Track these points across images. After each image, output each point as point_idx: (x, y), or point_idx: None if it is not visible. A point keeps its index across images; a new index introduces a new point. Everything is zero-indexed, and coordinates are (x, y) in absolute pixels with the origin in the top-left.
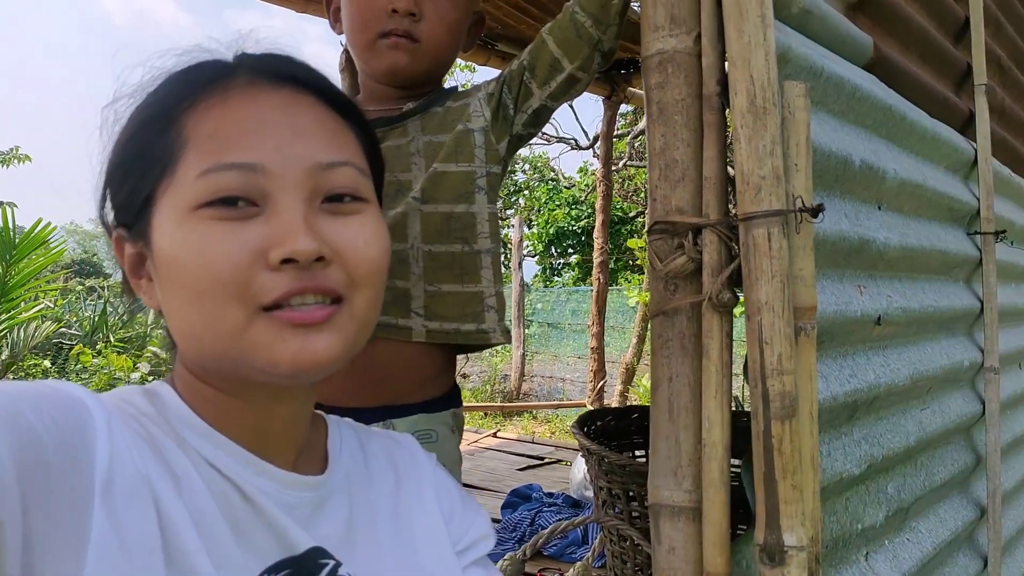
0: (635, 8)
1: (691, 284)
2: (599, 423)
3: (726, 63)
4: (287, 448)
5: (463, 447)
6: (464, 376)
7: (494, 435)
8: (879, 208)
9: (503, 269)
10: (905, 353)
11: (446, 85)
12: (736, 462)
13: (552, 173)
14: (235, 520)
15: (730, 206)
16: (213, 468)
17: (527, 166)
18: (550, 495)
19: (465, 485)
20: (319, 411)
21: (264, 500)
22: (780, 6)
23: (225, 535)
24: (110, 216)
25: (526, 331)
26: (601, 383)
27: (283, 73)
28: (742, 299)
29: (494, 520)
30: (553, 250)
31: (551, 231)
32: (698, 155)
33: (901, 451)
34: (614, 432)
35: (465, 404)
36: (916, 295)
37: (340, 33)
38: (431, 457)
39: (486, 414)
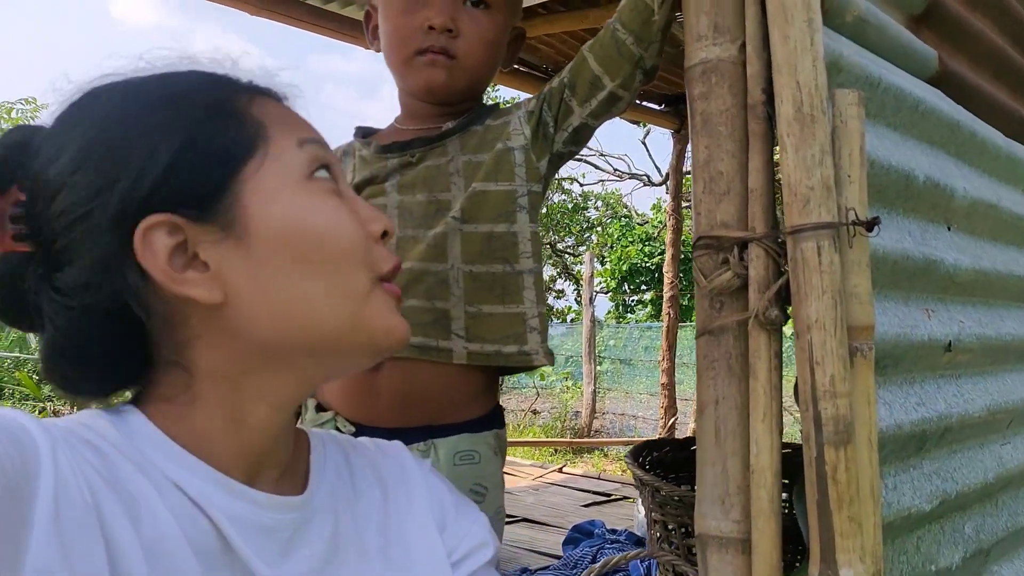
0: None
1: (737, 302)
2: (655, 454)
3: (773, 72)
4: (271, 466)
5: (527, 482)
6: (535, 412)
7: (560, 470)
8: (948, 228)
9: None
10: (981, 383)
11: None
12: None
13: (625, 210)
14: (203, 545)
15: (780, 219)
16: (180, 491)
17: (599, 203)
18: (613, 532)
19: (527, 520)
20: (301, 428)
21: (230, 527)
22: (833, 14)
23: (188, 562)
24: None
25: (598, 368)
26: (672, 419)
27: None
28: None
29: (554, 557)
30: (626, 287)
31: (624, 268)
32: (743, 167)
33: (978, 488)
34: (671, 464)
35: (533, 439)
36: (993, 322)
37: (378, 51)
38: (422, 464)
39: (556, 450)
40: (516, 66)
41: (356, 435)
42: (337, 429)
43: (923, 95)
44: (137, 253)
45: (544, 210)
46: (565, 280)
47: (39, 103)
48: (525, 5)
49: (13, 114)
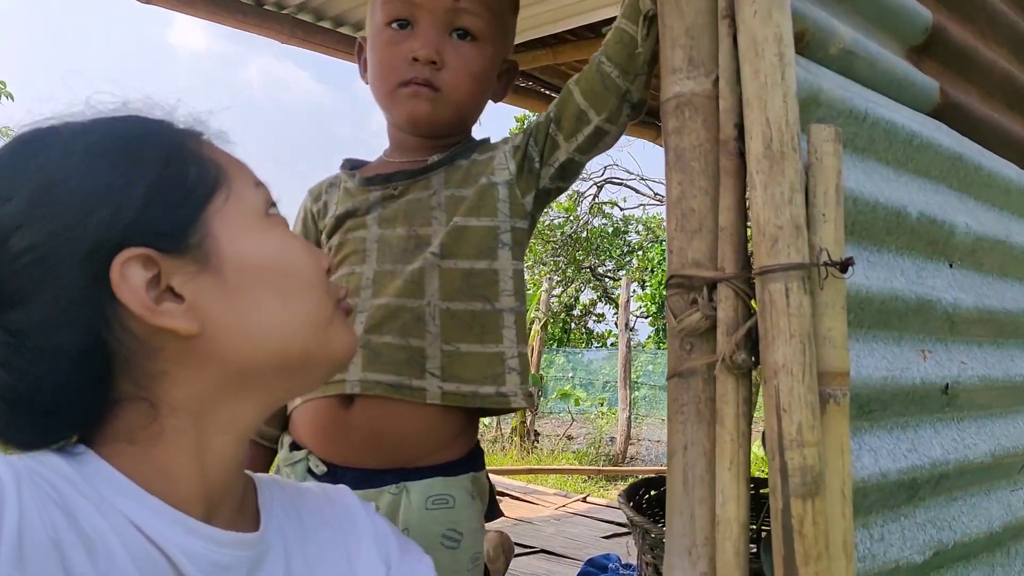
0: None
1: (707, 344)
2: (652, 492)
3: (744, 107)
4: (227, 502)
5: (549, 512)
6: (569, 438)
7: (583, 500)
8: (950, 266)
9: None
10: (987, 426)
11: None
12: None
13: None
14: None
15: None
16: (138, 530)
17: (640, 227)
18: (627, 567)
19: (545, 552)
20: (247, 472)
21: (188, 564)
22: (815, 47)
23: None
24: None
25: (634, 394)
26: None
27: None
28: None
29: None
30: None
31: (664, 292)
32: (716, 204)
33: (982, 537)
34: None
35: (564, 467)
36: (1000, 362)
37: (368, 83)
38: (367, 506)
39: (588, 478)
40: (547, 92)
41: (329, 475)
42: (309, 469)
43: (919, 128)
44: (114, 286)
45: (585, 234)
46: (605, 304)
47: None
48: (554, 32)
49: None
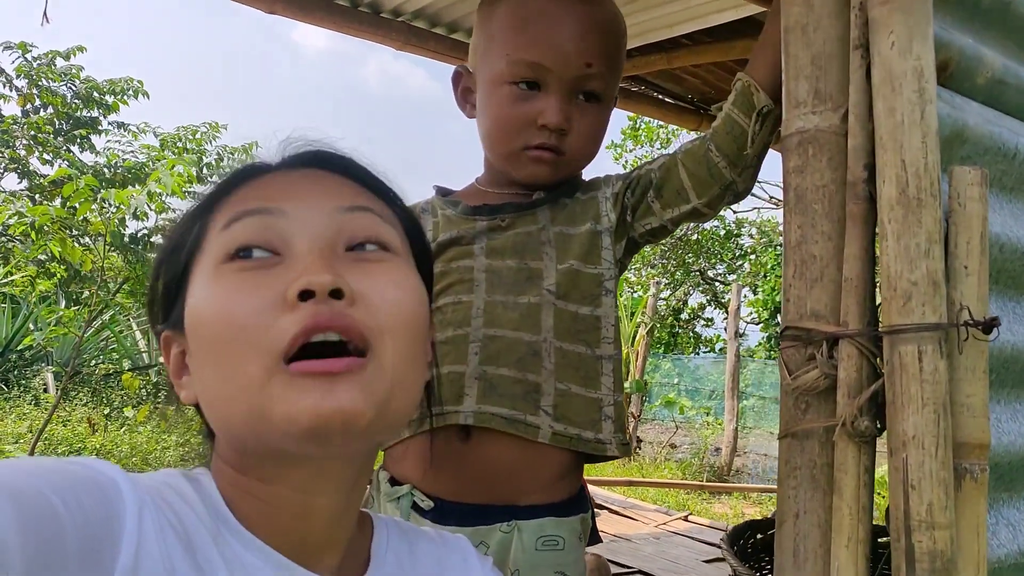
0: None
1: (826, 404)
2: (759, 536)
3: (876, 147)
4: (328, 550)
5: (649, 529)
6: (673, 446)
7: (685, 518)
8: None
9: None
10: None
11: None
12: None
13: (780, 238)
14: None
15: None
16: (245, 569)
17: (754, 230)
18: None
19: (642, 573)
20: (366, 511)
21: None
22: (960, 77)
23: None
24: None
25: (742, 404)
26: None
27: (315, 159)
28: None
29: None
30: (779, 318)
31: (777, 298)
32: (840, 252)
33: None
34: None
35: (666, 480)
36: None
37: (470, 117)
38: (484, 560)
39: (689, 492)
40: (661, 96)
41: (436, 510)
42: (414, 504)
43: None
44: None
45: (696, 237)
46: (714, 308)
47: (219, 126)
48: (670, 37)
49: (197, 135)
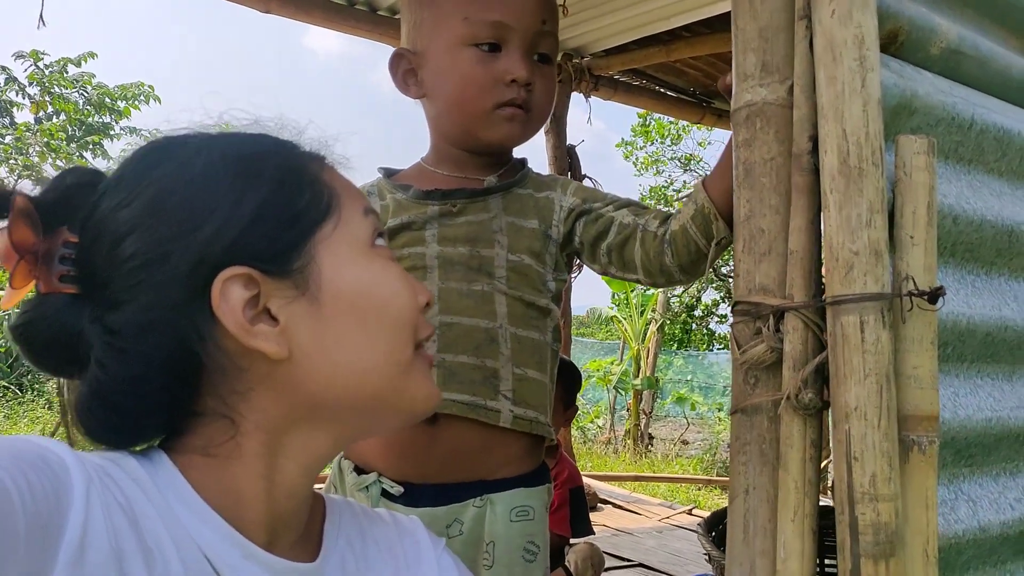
0: None
1: (774, 378)
2: None
3: (819, 118)
4: (289, 530)
5: (652, 523)
6: (684, 443)
7: (688, 512)
8: None
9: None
10: None
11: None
12: None
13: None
14: None
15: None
16: (197, 546)
17: None
18: None
19: (643, 566)
20: (319, 492)
21: None
22: (912, 47)
23: None
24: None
25: None
26: (826, 462)
27: None
28: None
29: None
30: None
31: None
32: (787, 225)
33: None
34: None
35: (671, 475)
36: None
37: (416, 97)
38: (437, 542)
39: (700, 487)
40: (663, 90)
41: (406, 495)
42: (384, 491)
43: None
44: (213, 302)
45: None
46: (728, 305)
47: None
48: (668, 28)
49: None
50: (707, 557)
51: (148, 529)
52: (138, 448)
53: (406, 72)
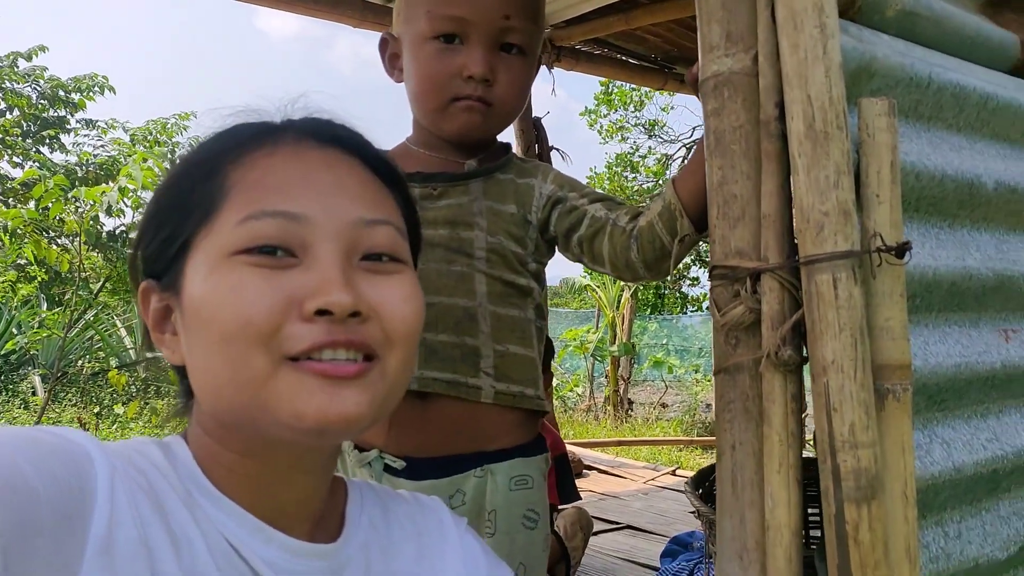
0: None
1: (754, 338)
2: None
3: (784, 85)
4: (303, 517)
5: (638, 486)
6: (664, 406)
7: (672, 472)
8: None
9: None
10: None
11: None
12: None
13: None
14: None
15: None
16: (219, 532)
17: None
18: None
19: (631, 527)
20: (340, 476)
21: (267, 571)
22: (868, 10)
23: None
24: (139, 267)
25: None
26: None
27: (328, 134)
28: None
29: (652, 568)
30: None
31: None
32: (759, 190)
33: None
34: None
35: (655, 438)
36: None
37: (398, 81)
38: (460, 521)
39: (682, 448)
40: (626, 58)
41: (408, 469)
42: (386, 465)
43: (995, 90)
44: (138, 311)
45: None
46: (700, 268)
47: (188, 115)
48: None
49: (168, 127)
50: (695, 513)
51: (173, 515)
52: (162, 433)
53: (392, 56)
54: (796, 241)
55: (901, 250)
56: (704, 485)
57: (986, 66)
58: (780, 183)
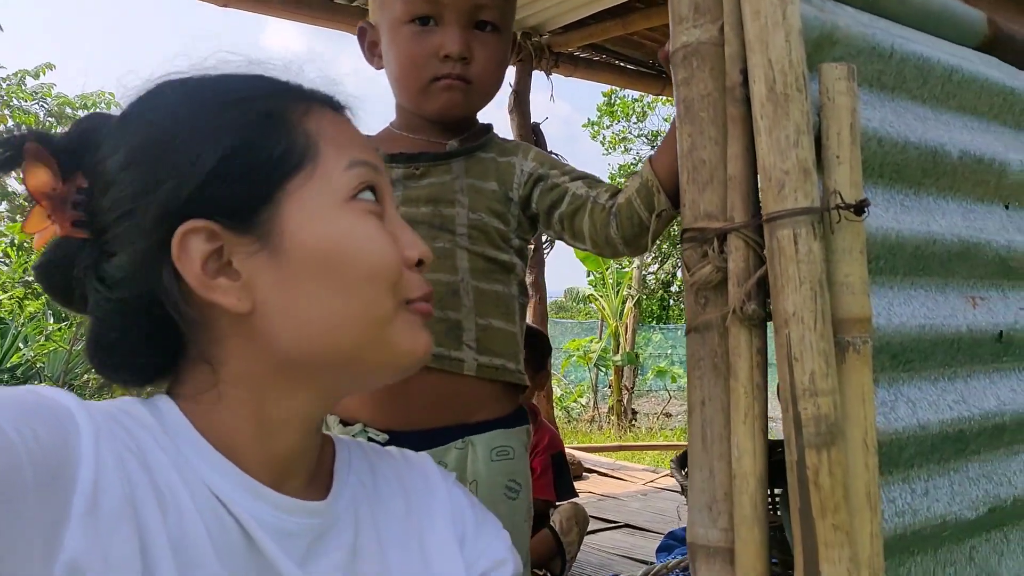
0: None
1: (721, 297)
2: None
3: (747, 51)
4: (297, 472)
5: (637, 487)
6: (668, 415)
7: (672, 475)
8: (1006, 207)
9: None
10: None
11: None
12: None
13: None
14: (225, 544)
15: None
16: (209, 490)
17: None
18: None
19: (628, 526)
20: (328, 433)
21: (256, 528)
22: None
23: (209, 559)
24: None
25: None
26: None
27: (338, 105)
28: None
29: (648, 563)
30: None
31: None
32: (726, 155)
33: None
34: None
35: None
36: None
37: (378, 68)
38: (447, 476)
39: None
40: (623, 64)
41: (391, 442)
42: (369, 439)
43: (960, 63)
44: (173, 255)
45: None
46: None
47: None
48: (623, 1)
49: None
50: (680, 489)
51: (160, 473)
52: (146, 392)
53: (370, 44)
54: (760, 201)
55: (859, 207)
56: (686, 465)
57: (953, 41)
58: (745, 146)
